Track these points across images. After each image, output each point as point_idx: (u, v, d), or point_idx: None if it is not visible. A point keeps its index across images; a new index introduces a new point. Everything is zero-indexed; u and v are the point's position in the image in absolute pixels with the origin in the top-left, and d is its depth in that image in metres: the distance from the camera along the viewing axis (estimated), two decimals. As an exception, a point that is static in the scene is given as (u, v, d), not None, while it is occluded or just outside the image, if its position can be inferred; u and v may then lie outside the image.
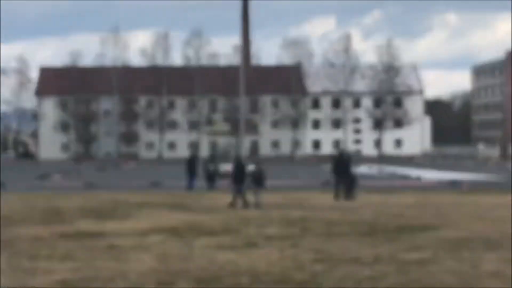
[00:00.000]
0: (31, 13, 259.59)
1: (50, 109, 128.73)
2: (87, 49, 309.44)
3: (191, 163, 40.16)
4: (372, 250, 15.78)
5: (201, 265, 13.76)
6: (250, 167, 32.12)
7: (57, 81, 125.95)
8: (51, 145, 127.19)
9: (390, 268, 13.41)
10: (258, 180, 29.84)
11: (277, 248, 16.20)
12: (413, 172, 62.98)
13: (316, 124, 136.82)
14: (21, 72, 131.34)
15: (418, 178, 53.58)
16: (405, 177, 56.71)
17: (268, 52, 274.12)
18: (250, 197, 29.24)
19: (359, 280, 12.14)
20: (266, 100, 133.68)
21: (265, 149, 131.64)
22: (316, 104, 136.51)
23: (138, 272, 12.96)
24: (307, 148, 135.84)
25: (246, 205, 28.75)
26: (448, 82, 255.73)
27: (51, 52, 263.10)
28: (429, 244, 16.88)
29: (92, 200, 32.00)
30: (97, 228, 20.88)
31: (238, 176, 29.94)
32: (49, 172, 61.92)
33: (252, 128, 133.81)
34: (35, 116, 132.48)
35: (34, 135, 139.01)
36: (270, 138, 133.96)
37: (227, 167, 38.62)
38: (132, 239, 18.43)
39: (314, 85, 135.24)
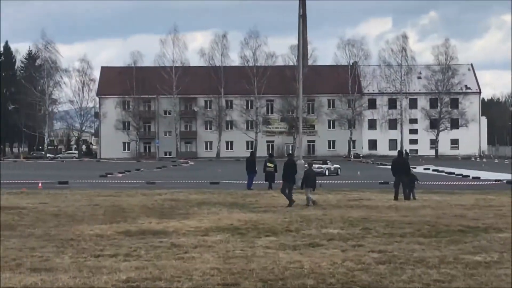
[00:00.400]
0: (94, 15, 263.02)
1: (111, 109, 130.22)
2: (147, 49, 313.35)
3: (251, 162, 40.17)
4: (437, 252, 15.60)
5: (265, 265, 13.74)
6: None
7: (118, 81, 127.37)
8: (112, 144, 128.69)
9: (457, 270, 13.23)
10: (308, 180, 29.83)
11: (340, 249, 16.12)
12: (471, 172, 62.19)
13: (372, 124, 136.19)
14: (84, 72, 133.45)
15: (476, 179, 52.89)
16: (463, 178, 56.10)
17: (325, 52, 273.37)
18: (300, 196, 29.18)
19: (427, 284, 12.00)
20: (323, 100, 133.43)
21: (321, 149, 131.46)
22: (372, 104, 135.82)
23: (202, 272, 13.00)
24: (363, 148, 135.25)
25: (290, 203, 28.64)
26: (504, 83, 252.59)
27: (113, 53, 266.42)
28: (493, 246, 16.63)
29: (154, 198, 32.22)
30: (160, 227, 21.01)
31: (288, 174, 29.98)
32: (111, 171, 62.68)
33: (309, 128, 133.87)
34: (96, 116, 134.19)
35: (96, 134, 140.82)
36: (327, 138, 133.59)
37: None
38: (195, 238, 18.49)
39: (370, 85, 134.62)
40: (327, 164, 62.47)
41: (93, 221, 22.91)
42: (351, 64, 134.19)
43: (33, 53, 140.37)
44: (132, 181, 49.50)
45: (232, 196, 34.20)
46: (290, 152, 38.30)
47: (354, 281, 12.14)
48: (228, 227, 21.01)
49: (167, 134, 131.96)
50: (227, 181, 47.80)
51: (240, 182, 45.76)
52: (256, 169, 39.99)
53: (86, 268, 13.41)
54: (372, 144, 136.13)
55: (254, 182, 39.72)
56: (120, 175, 59.44)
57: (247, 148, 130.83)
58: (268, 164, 39.26)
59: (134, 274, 12.72)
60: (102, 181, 51.15)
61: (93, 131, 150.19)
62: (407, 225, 21.41)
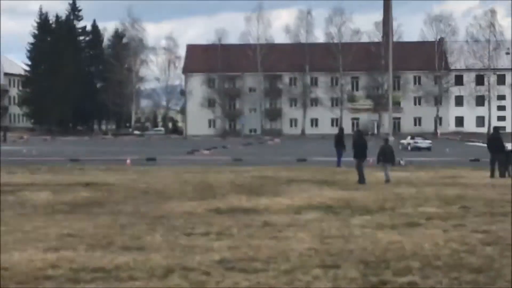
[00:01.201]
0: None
1: (197, 86, 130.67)
2: (233, 27, 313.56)
3: (340, 138, 39.39)
4: (545, 233, 14.71)
5: (364, 246, 13.09)
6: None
7: (203, 59, 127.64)
8: (198, 121, 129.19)
9: None
10: (386, 156, 29.52)
11: (440, 229, 15.34)
12: None
13: (459, 101, 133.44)
14: (170, 50, 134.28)
15: None
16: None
17: (411, 28, 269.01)
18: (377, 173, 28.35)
19: (541, 266, 11.19)
20: (408, 76, 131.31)
21: (407, 126, 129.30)
22: (459, 81, 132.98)
23: (299, 253, 12.42)
24: (450, 125, 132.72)
25: (362, 180, 28.21)
26: None
27: (198, 31, 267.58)
28: None
29: (242, 175, 31.82)
30: (250, 204, 20.54)
31: (358, 151, 29.50)
32: (197, 148, 62.75)
33: (395, 105, 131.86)
34: (182, 93, 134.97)
35: (182, 111, 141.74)
36: (413, 115, 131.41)
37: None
38: (287, 216, 17.95)
39: (457, 61, 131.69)
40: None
41: (183, 198, 22.60)
42: (438, 40, 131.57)
43: (119, 32, 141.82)
44: (219, 158, 49.28)
45: (321, 173, 33.57)
46: (358, 128, 37.58)
47: (462, 264, 11.39)
48: (320, 205, 20.41)
49: (252, 111, 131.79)
50: (314, 158, 47.10)
51: (328, 159, 45.08)
52: (345, 145, 39.15)
53: (178, 247, 12.99)
54: (459, 121, 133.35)
55: (342, 159, 38.92)
56: (206, 152, 59.40)
57: (332, 125, 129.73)
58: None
59: (228, 254, 12.23)
60: (189, 158, 51.16)
61: (179, 108, 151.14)
62: (507, 203, 20.45)
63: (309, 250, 12.62)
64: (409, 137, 70.28)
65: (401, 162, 38.75)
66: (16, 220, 16.98)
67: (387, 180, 28.43)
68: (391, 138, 39.11)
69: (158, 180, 29.04)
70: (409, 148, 64.87)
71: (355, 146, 30.11)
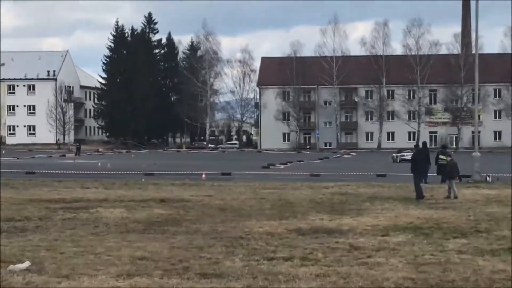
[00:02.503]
0: (256, 8, 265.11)
1: (271, 99, 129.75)
2: (308, 40, 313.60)
3: (424, 154, 37.73)
4: None
5: (465, 275, 11.81)
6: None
7: (278, 72, 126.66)
8: (272, 134, 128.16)
9: None
10: (450, 171, 28.93)
11: (548, 256, 13.93)
12: None
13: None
14: (245, 63, 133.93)
15: None
16: None
17: (492, 41, 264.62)
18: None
19: None
20: (488, 89, 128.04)
21: (486, 140, 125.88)
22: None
23: (394, 282, 11.22)
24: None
25: (419, 196, 27.53)
26: None
27: (273, 44, 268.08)
28: None
29: (321, 192, 30.63)
30: (333, 224, 19.38)
31: (418, 165, 28.85)
32: (272, 162, 61.72)
33: (473, 118, 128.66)
34: (257, 106, 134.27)
35: (256, 124, 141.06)
36: (493, 128, 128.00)
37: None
38: (374, 238, 16.73)
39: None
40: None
41: (261, 216, 21.55)
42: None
43: (194, 44, 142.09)
44: (295, 173, 48.13)
45: (403, 189, 32.14)
46: (418, 144, 36.27)
47: None
48: (407, 225, 19.14)
49: (327, 124, 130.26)
50: (393, 173, 45.53)
51: (409, 174, 43.43)
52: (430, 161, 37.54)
53: (260, 274, 11.91)
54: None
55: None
56: (282, 166, 58.36)
57: (409, 139, 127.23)
58: (441, 157, 36.78)
59: (315, 284, 11.09)
60: (265, 172, 50.10)
61: (253, 121, 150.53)
62: None
63: (405, 280, 11.41)
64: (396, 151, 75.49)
65: (488, 178, 37.05)
66: (88, 240, 16.16)
67: (455, 197, 27.57)
68: (477, 154, 37.30)
69: (235, 197, 28.06)
70: (398, 160, 68.85)
71: (414, 160, 29.37)
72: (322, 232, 17.75)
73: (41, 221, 20.00)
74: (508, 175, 43.02)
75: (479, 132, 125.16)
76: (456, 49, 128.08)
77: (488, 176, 37.62)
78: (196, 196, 28.05)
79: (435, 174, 37.07)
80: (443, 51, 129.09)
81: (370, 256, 13.94)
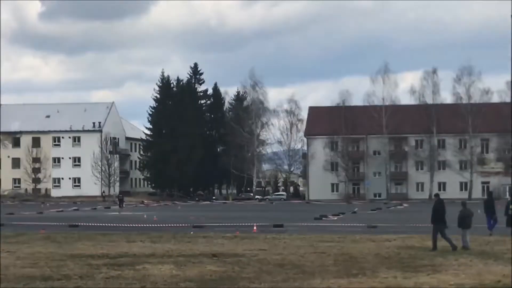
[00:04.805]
0: (305, 58, 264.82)
1: (319, 149, 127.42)
2: (357, 90, 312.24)
3: (489, 204, 35.26)
4: None
5: None
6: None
7: (326, 121, 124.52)
8: (320, 185, 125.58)
9: None
10: (463, 221, 28.02)
11: None
12: None
13: None
14: (292, 112, 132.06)
15: None
16: None
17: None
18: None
19: None
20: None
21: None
22: None
23: None
24: None
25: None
26: None
27: (321, 94, 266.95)
28: None
29: (384, 245, 28.28)
30: (410, 283, 17.06)
31: (437, 216, 27.31)
32: (324, 213, 59.34)
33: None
34: (304, 156, 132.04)
35: (304, 175, 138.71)
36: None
37: None
38: (465, 301, 14.40)
39: None
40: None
41: (325, 273, 19.28)
42: None
43: (241, 94, 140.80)
44: (351, 224, 45.66)
45: (474, 242, 29.56)
46: (437, 192, 33.97)
47: None
48: (496, 284, 16.76)
49: (377, 174, 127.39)
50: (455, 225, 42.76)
51: (473, 226, 40.86)
52: (496, 211, 34.99)
53: None
54: None
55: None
56: (335, 217, 55.89)
57: (461, 189, 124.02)
58: (511, 207, 34.27)
59: None
60: (318, 224, 47.69)
61: (300, 172, 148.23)
62: None
63: None
64: None
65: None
66: (134, 303, 14.01)
67: (465, 247, 26.56)
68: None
69: (292, 251, 25.79)
70: None
71: (434, 211, 27.92)
72: (401, 294, 15.44)
73: (81, 280, 17.93)
74: None
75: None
76: (509, 97, 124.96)
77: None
78: (250, 251, 25.86)
79: (505, 226, 34.60)
80: (495, 99, 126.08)
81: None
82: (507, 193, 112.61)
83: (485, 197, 29.89)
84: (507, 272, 19.18)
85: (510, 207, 34.33)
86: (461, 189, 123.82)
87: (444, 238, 26.70)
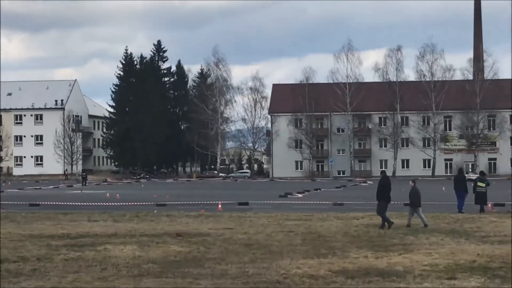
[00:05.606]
0: (270, 35, 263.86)
1: (283, 127, 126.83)
2: (321, 68, 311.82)
3: (460, 181, 34.77)
4: None
5: None
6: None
7: (290, 99, 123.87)
8: (284, 163, 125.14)
9: None
10: (414, 198, 27.52)
11: None
12: None
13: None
14: (256, 90, 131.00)
15: None
16: None
17: (507, 66, 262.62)
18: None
19: None
20: (505, 115, 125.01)
21: (503, 167, 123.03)
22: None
23: None
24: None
25: (386, 225, 25.80)
26: None
27: (286, 72, 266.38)
28: None
29: (351, 223, 27.72)
30: (383, 264, 16.45)
31: (381, 193, 26.97)
32: (288, 190, 58.78)
33: (490, 144, 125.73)
34: (268, 134, 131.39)
35: (268, 152, 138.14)
36: (509, 155, 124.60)
37: None
38: (441, 283, 13.83)
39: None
40: None
41: (294, 253, 18.64)
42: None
43: (204, 72, 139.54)
44: (316, 202, 45.12)
45: (442, 220, 29.20)
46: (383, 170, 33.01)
47: None
48: (472, 265, 16.21)
49: (341, 152, 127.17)
50: (426, 203, 42.30)
51: (436, 203, 40.68)
52: (467, 188, 34.54)
53: None
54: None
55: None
56: (300, 195, 55.30)
57: (424, 166, 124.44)
58: (479, 184, 33.87)
59: None
60: (283, 201, 47.08)
61: (264, 149, 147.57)
62: None
63: None
64: None
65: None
66: (94, 288, 13.25)
67: (425, 225, 26.21)
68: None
69: (259, 230, 25.12)
70: None
71: (380, 188, 27.47)
72: (375, 275, 14.82)
73: (39, 262, 17.09)
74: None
75: (495, 159, 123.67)
76: (471, 74, 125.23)
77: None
78: (216, 230, 25.16)
79: (473, 203, 34.24)
80: (458, 76, 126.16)
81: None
82: (470, 170, 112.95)
83: (453, 173, 29.52)
84: (481, 251, 18.68)
85: (478, 184, 33.94)
86: (424, 166, 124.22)
87: (383, 215, 26.41)
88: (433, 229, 25.35)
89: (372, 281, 14.12)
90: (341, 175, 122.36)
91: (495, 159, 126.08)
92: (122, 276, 14.81)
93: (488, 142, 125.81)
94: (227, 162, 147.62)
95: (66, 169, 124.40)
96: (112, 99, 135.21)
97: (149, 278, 14.55)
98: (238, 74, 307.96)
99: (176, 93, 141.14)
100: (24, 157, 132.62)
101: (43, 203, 44.45)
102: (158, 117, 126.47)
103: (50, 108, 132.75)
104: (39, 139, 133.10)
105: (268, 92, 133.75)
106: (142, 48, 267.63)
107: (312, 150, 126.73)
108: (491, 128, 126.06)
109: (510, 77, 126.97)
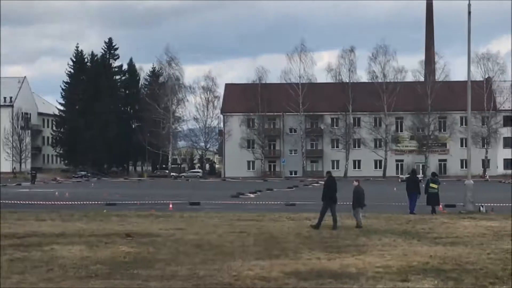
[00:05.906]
0: (223, 35, 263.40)
1: (235, 127, 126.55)
2: (274, 68, 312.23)
3: (412, 183, 34.74)
4: None
5: None
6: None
7: (242, 99, 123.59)
8: (236, 162, 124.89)
9: None
10: (358, 199, 27.58)
11: None
12: None
13: (508, 143, 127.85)
14: (209, 89, 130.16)
15: None
16: None
17: (458, 69, 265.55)
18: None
19: None
20: (455, 117, 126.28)
21: (454, 169, 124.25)
22: (508, 122, 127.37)
23: None
24: (498, 168, 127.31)
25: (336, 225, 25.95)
26: None
27: (239, 72, 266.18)
28: None
29: (304, 224, 27.51)
30: (335, 265, 16.21)
31: (327, 193, 26.91)
32: (240, 190, 58.50)
33: (441, 146, 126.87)
34: (221, 134, 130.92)
35: (220, 152, 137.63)
36: (460, 156, 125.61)
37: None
38: (394, 285, 13.63)
39: (507, 101, 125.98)
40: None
41: (246, 254, 18.32)
42: (485, 79, 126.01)
43: (156, 70, 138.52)
44: (268, 203, 44.95)
45: (395, 221, 29.12)
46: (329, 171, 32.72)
47: None
48: (425, 267, 16.06)
49: (293, 152, 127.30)
50: (378, 203, 42.32)
51: (388, 204, 40.75)
52: (420, 189, 34.51)
53: None
54: (508, 163, 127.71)
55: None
56: (252, 195, 55.10)
57: (375, 167, 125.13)
58: (431, 185, 33.93)
59: None
60: (235, 202, 46.83)
61: (216, 149, 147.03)
62: None
63: None
64: None
65: (481, 208, 34.18)
66: (39, 290, 12.79)
67: (358, 226, 26.32)
68: (470, 182, 34.42)
69: (210, 230, 24.76)
70: None
71: (326, 188, 27.34)
72: (328, 277, 14.57)
73: (-17, 263, 16.55)
74: (500, 204, 40.18)
75: (445, 160, 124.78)
76: (422, 76, 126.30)
77: (482, 206, 34.69)
78: (166, 230, 24.74)
79: (425, 204, 34.28)
80: (409, 78, 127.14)
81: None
82: (420, 171, 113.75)
83: (406, 175, 29.40)
84: (433, 253, 18.56)
85: (431, 185, 33.99)
86: (376, 167, 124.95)
87: (333, 215, 26.37)
88: (385, 229, 25.25)
89: (324, 283, 13.87)
90: (293, 175, 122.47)
91: (445, 160, 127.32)
92: (69, 277, 14.37)
93: (438, 143, 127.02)
94: (178, 161, 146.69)
95: (15, 167, 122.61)
96: (62, 96, 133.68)
97: (96, 280, 14.12)
98: (191, 73, 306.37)
99: (127, 92, 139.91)
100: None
101: (-10, 201, 43.57)
102: (108, 115, 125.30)
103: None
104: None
105: (220, 91, 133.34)
106: (94, 46, 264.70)
107: (264, 150, 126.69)
108: (442, 130, 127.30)
109: (461, 79, 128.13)
